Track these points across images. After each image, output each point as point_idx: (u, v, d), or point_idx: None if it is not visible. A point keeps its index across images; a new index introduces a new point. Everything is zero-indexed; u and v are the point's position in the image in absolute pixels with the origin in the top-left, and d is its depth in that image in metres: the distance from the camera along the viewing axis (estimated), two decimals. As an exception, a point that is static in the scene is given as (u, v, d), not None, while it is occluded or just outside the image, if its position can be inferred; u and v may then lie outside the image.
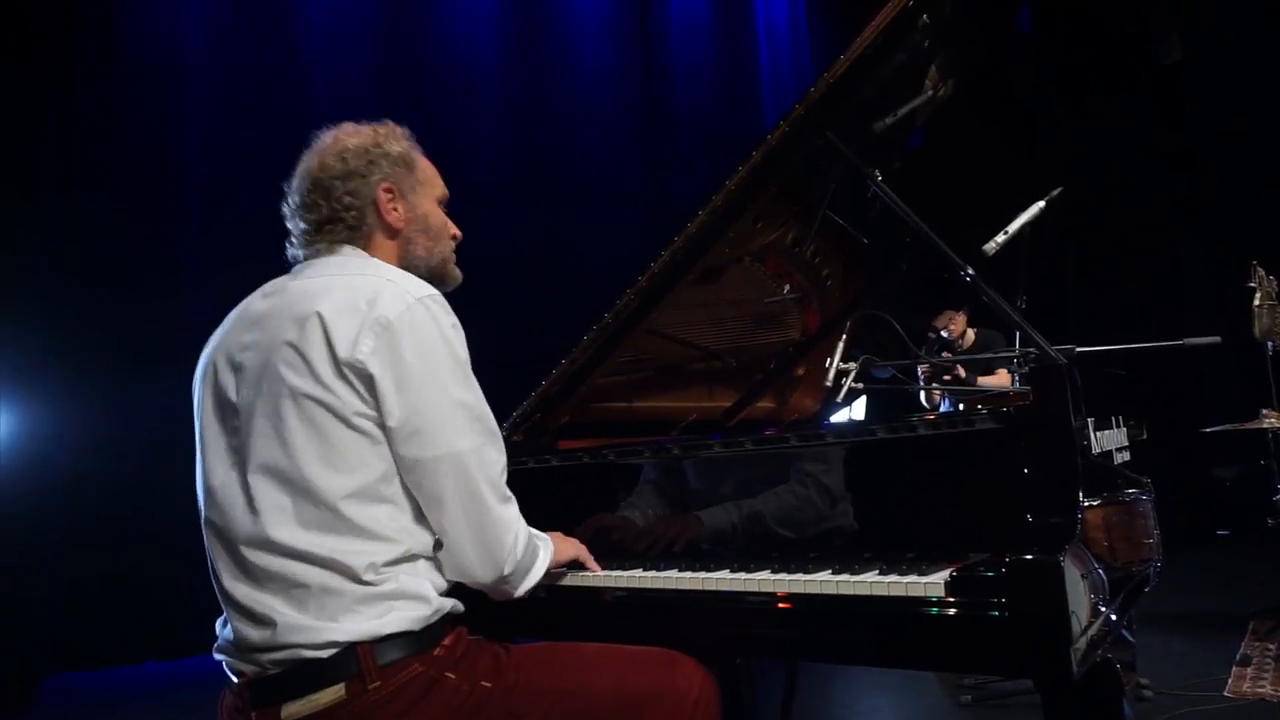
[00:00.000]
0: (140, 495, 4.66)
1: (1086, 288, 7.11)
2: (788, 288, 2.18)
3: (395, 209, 1.42)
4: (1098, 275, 7.08)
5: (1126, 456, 1.44)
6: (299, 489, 1.21)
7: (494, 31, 6.70)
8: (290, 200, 1.43)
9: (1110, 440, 1.36)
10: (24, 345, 4.48)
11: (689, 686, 1.36)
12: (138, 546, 4.65)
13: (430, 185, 1.49)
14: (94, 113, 4.99)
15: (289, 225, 1.43)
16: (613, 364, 2.02)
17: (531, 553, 1.38)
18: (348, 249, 1.40)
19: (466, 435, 1.28)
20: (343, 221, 1.39)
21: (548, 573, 1.44)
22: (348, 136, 1.43)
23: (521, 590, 1.37)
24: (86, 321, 4.80)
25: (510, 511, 1.34)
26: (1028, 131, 7.05)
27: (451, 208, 1.56)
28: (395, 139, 1.45)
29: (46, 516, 4.54)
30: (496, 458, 1.33)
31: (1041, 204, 1.92)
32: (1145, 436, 1.75)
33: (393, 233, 1.43)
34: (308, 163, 1.42)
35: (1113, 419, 1.40)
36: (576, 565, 1.55)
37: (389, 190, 1.41)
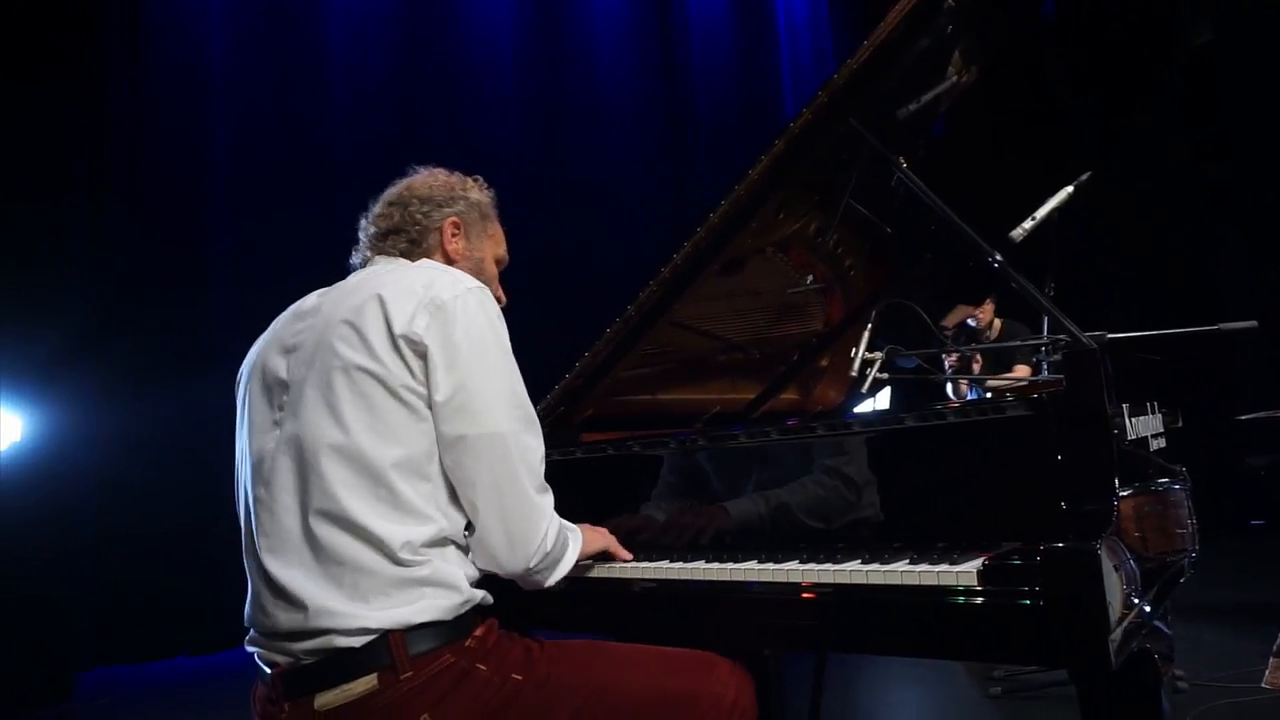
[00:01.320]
0: (171, 495, 4.73)
1: (1120, 277, 7.00)
2: (811, 278, 2.16)
3: (456, 242, 1.53)
4: (1131, 265, 6.97)
5: (1162, 443, 1.41)
6: (349, 456, 1.23)
7: (514, 30, 6.73)
8: (369, 211, 1.54)
9: (1145, 426, 1.33)
10: (55, 348, 4.55)
11: (724, 690, 1.36)
12: (169, 545, 4.72)
13: (495, 242, 1.62)
14: (120, 119, 5.07)
15: (360, 234, 1.54)
16: (636, 357, 2.02)
17: (562, 544, 1.38)
18: (402, 260, 1.47)
19: (508, 418, 1.30)
20: (406, 234, 1.49)
21: (576, 564, 1.44)
22: (442, 173, 1.59)
23: (551, 580, 1.38)
24: (116, 325, 4.88)
25: (545, 501, 1.35)
26: (1054, 118, 6.95)
27: None
28: (480, 190, 1.60)
29: (80, 517, 4.62)
30: (535, 445, 1.35)
31: (1070, 189, 1.88)
32: (1180, 424, 1.71)
33: (448, 260, 1.52)
34: (397, 185, 1.56)
35: (1148, 405, 1.37)
36: (605, 557, 1.56)
37: (456, 225, 1.54)
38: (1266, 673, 3.16)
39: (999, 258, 1.49)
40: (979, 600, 1.10)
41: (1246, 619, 4.04)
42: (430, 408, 1.27)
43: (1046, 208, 1.87)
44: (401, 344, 1.26)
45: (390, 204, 1.52)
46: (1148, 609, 1.16)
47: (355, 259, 1.54)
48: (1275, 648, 3.47)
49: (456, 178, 1.58)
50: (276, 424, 1.31)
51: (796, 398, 2.31)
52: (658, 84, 7.34)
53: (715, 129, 7.39)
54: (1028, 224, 1.84)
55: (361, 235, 1.53)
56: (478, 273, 1.53)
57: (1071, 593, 1.02)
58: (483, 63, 6.51)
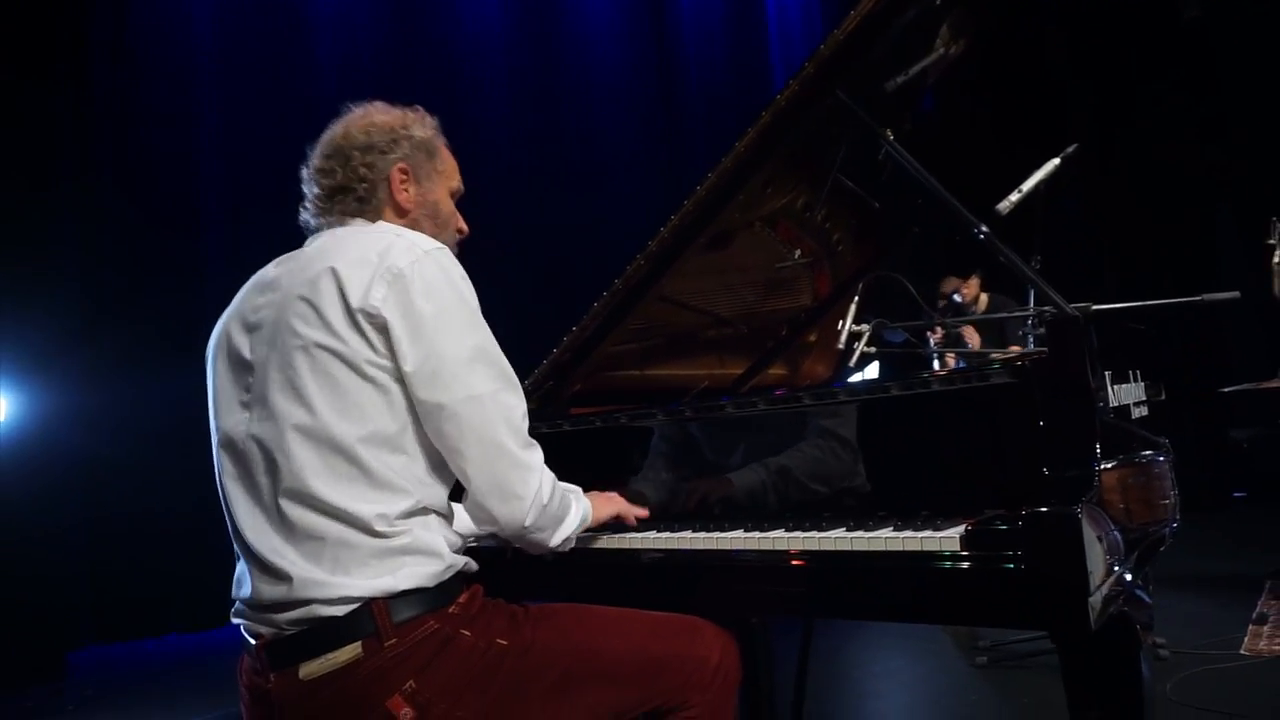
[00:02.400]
0: (160, 475, 4.74)
1: (1112, 254, 7.02)
2: (799, 253, 2.16)
3: (406, 190, 1.44)
4: (1124, 241, 6.99)
5: (1144, 412, 1.42)
6: (316, 437, 1.22)
7: (505, 7, 6.66)
8: (309, 163, 1.45)
9: (1128, 394, 1.34)
10: (45, 330, 4.53)
11: (709, 654, 1.37)
12: (158, 525, 4.73)
13: (446, 176, 1.52)
14: (107, 102, 5.04)
15: (304, 188, 1.45)
16: (624, 331, 2.02)
17: (562, 503, 1.38)
18: (357, 221, 1.41)
19: (484, 379, 1.28)
20: (353, 192, 1.40)
21: (584, 533, 1.44)
22: (377, 113, 1.46)
23: (556, 540, 1.37)
24: (105, 308, 4.87)
25: (533, 457, 1.32)
26: (1049, 93, 6.93)
27: (464, 185, 1.57)
28: (423, 125, 1.48)
29: (69, 497, 4.63)
30: (516, 403, 1.32)
31: (1056, 161, 1.89)
32: (1164, 398, 1.73)
33: (401, 212, 1.45)
34: (333, 130, 1.45)
35: (1130, 373, 1.38)
36: (613, 526, 1.56)
37: (404, 171, 1.44)
38: (1245, 639, 3.22)
39: (985, 229, 1.49)
40: (962, 565, 1.11)
41: (1228, 589, 4.10)
42: (400, 380, 1.25)
43: (1033, 180, 1.88)
44: (360, 318, 1.23)
45: (328, 156, 1.42)
46: (1128, 577, 1.18)
47: (304, 214, 1.45)
48: (1255, 615, 3.53)
49: (397, 113, 1.47)
50: (245, 405, 1.30)
51: (784, 373, 2.32)
52: (649, 60, 7.32)
53: (706, 105, 7.37)
54: (1014, 196, 1.85)
55: (306, 191, 1.44)
56: (434, 216, 1.47)
57: (1053, 556, 1.03)
58: (474, 38, 6.46)
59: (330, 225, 1.42)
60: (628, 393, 2.20)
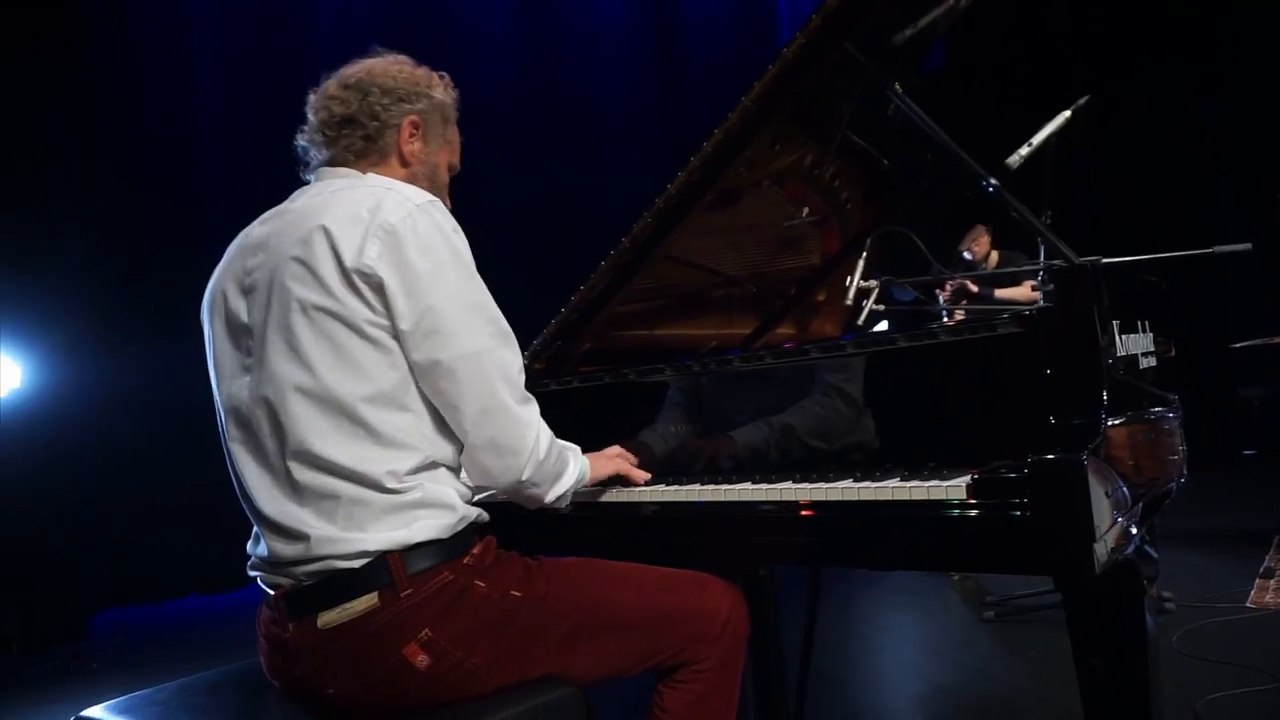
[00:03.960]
0: (173, 438, 4.77)
1: (1117, 211, 6.95)
2: (806, 211, 2.15)
3: (414, 143, 1.43)
4: (1130, 199, 6.91)
5: (1152, 362, 1.42)
6: (320, 399, 1.22)
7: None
8: (321, 89, 1.42)
9: (1136, 344, 1.34)
10: (52, 297, 4.55)
11: (718, 607, 1.39)
12: (175, 489, 4.78)
13: (451, 148, 1.52)
14: (104, 74, 4.99)
15: (308, 113, 1.42)
16: (632, 291, 2.02)
17: (560, 459, 1.39)
18: (347, 171, 1.39)
19: (480, 335, 1.27)
20: (362, 128, 1.38)
21: (588, 490, 1.45)
22: (408, 63, 1.46)
23: (551, 496, 1.38)
24: (111, 274, 4.88)
25: (529, 412, 1.33)
26: (1055, 52, 6.81)
27: (466, 150, 1.57)
28: (445, 91, 1.49)
29: (84, 461, 4.67)
30: (512, 358, 1.32)
31: (1067, 113, 1.86)
32: (1174, 354, 1.72)
33: (404, 163, 1.43)
34: (358, 65, 1.43)
35: (1139, 323, 1.37)
36: (617, 481, 1.57)
37: (415, 125, 1.43)
38: (1252, 593, 3.24)
39: (995, 182, 1.48)
40: (969, 513, 1.12)
41: (1236, 545, 4.13)
42: (396, 337, 1.24)
43: (1043, 133, 1.85)
44: (355, 278, 1.21)
45: (348, 87, 1.40)
46: (1133, 531, 1.19)
47: (301, 139, 1.43)
48: (1261, 570, 3.55)
49: (423, 71, 1.47)
50: (247, 369, 1.29)
51: (793, 332, 2.32)
52: (650, 21, 7.21)
53: (711, 64, 7.28)
54: (1024, 150, 1.82)
55: (311, 116, 1.41)
56: (431, 179, 1.46)
57: (1058, 502, 1.04)
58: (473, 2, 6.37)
59: (321, 163, 1.40)
60: (636, 353, 2.21)
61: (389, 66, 1.43)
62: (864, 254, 1.84)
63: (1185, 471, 1.51)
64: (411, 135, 1.43)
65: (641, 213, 1.82)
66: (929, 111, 1.66)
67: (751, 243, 2.21)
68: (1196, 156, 6.92)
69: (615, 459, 1.58)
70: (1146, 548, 1.34)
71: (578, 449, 1.47)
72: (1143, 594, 1.21)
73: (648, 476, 1.58)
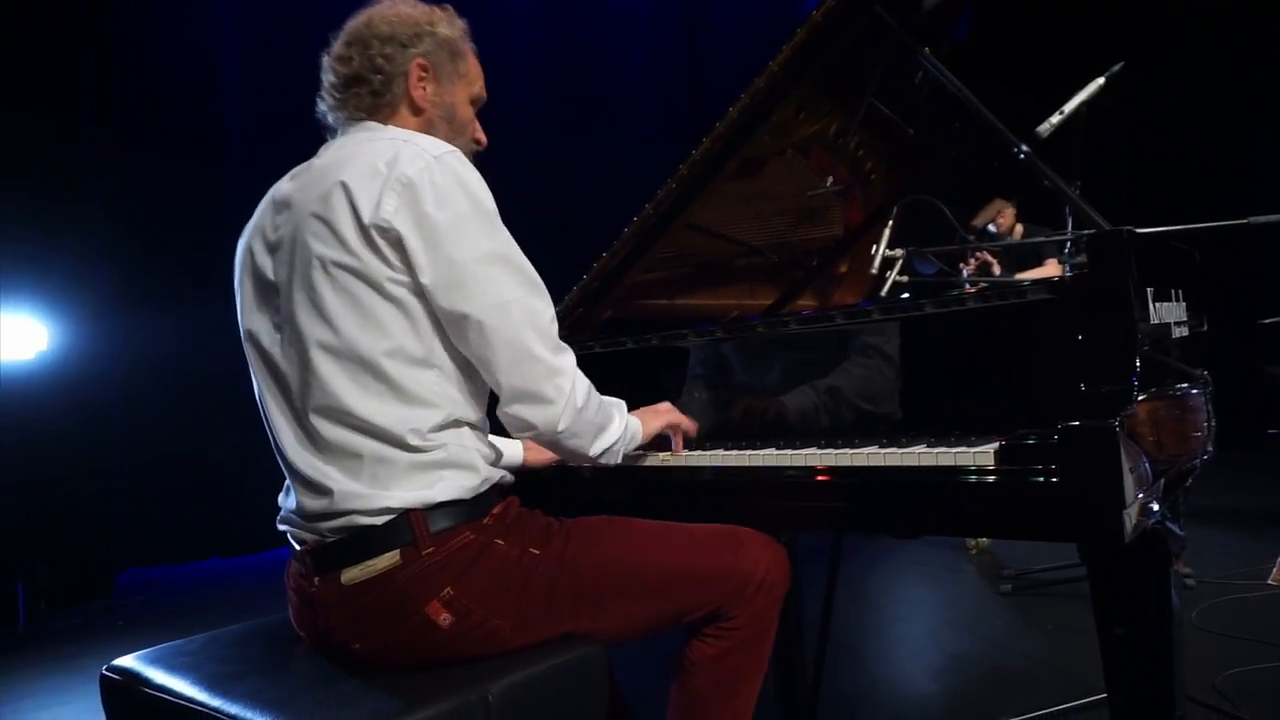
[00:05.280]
0: (198, 400, 4.85)
1: (1147, 181, 6.82)
2: (831, 180, 2.12)
3: (424, 88, 1.39)
4: (1161, 169, 6.78)
5: (1184, 332, 1.40)
6: (343, 355, 1.22)
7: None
8: (329, 50, 1.40)
9: (1169, 313, 1.32)
10: (76, 259, 4.58)
11: (754, 567, 1.36)
12: (200, 452, 4.85)
13: (468, 80, 1.46)
14: (127, 36, 4.98)
15: (322, 76, 1.41)
16: (653, 259, 2.01)
17: (602, 412, 1.37)
18: (368, 122, 1.38)
19: (507, 285, 1.25)
20: (368, 84, 1.36)
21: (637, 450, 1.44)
22: (404, 5, 1.41)
23: (596, 449, 1.36)
24: (136, 239, 4.91)
25: (564, 360, 1.30)
26: (1087, 14, 6.65)
27: (487, 118, 1.53)
28: (450, 24, 1.43)
29: (112, 425, 4.75)
30: (543, 307, 1.29)
31: (1101, 80, 1.82)
32: (1205, 329, 1.69)
33: (417, 110, 1.40)
34: (357, 18, 1.40)
35: (1173, 292, 1.35)
36: (659, 443, 1.56)
37: (423, 68, 1.39)
38: (1274, 570, 3.22)
39: (1025, 149, 1.46)
40: (997, 479, 1.11)
41: (1257, 523, 4.10)
42: (421, 295, 1.22)
43: (1075, 100, 1.81)
44: (373, 233, 1.20)
45: (348, 44, 1.37)
46: (1155, 507, 1.17)
47: (321, 106, 1.42)
48: (1284, 547, 3.52)
49: (422, 10, 1.41)
50: (277, 327, 1.30)
51: (814, 304, 2.31)
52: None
53: (734, 31, 7.18)
54: (1055, 118, 1.79)
55: (323, 79, 1.40)
56: (449, 120, 1.43)
57: (1088, 468, 1.03)
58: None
59: (341, 123, 1.40)
60: (657, 322, 2.20)
61: (385, 12, 1.39)
62: (889, 223, 1.82)
63: (1210, 448, 1.49)
64: (421, 79, 1.39)
65: (664, 179, 1.80)
66: (960, 75, 1.63)
67: (774, 212, 2.19)
68: (1232, 125, 6.77)
69: (660, 411, 1.55)
70: (1169, 524, 1.33)
71: (623, 404, 1.45)
72: (1168, 565, 1.20)
73: (695, 427, 1.56)
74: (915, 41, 1.63)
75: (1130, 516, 1.01)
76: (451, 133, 1.42)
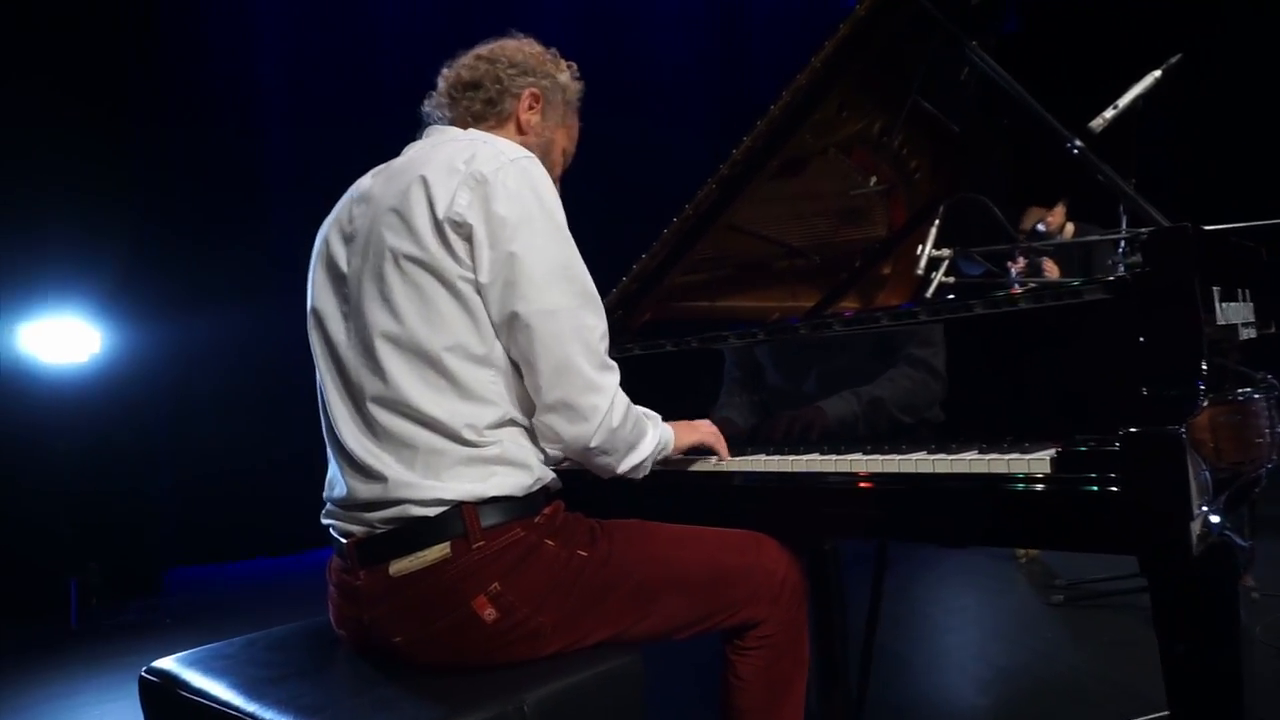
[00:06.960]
0: (243, 403, 4.94)
1: (1204, 177, 6.61)
2: (874, 180, 2.08)
3: (533, 114, 1.48)
4: (1218, 164, 6.57)
5: (1252, 334, 1.33)
6: (407, 347, 1.24)
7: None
8: (454, 60, 1.49)
9: (1235, 314, 1.25)
10: (124, 264, 4.68)
11: (776, 566, 1.42)
12: (247, 452, 4.94)
13: (568, 132, 1.56)
14: (173, 37, 5.07)
15: (438, 82, 1.49)
16: (693, 260, 1.99)
17: (636, 429, 1.36)
18: (455, 130, 1.42)
19: (562, 294, 1.26)
20: (485, 91, 1.44)
21: (669, 460, 1.46)
22: (537, 47, 1.53)
23: (624, 467, 1.36)
24: (185, 242, 5.00)
25: (607, 379, 1.30)
26: (1139, 7, 6.49)
27: None
28: (571, 78, 1.55)
29: (160, 426, 4.86)
30: (595, 323, 1.30)
31: (1157, 74, 1.75)
32: (1274, 330, 1.61)
33: (520, 130, 1.47)
34: (493, 42, 1.51)
35: (1240, 292, 1.28)
36: (696, 452, 1.55)
37: (535, 97, 1.48)
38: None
39: (1079, 144, 1.40)
40: (1053, 487, 1.07)
41: (1323, 533, 3.92)
42: (480, 289, 1.24)
43: (1130, 95, 1.75)
44: (446, 227, 1.22)
45: (480, 57, 1.47)
46: (1215, 519, 1.12)
47: (427, 105, 1.49)
48: (1354, 560, 3.36)
49: (551, 55, 1.53)
50: (345, 316, 1.33)
51: (857, 306, 2.26)
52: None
53: (774, 30, 7.13)
54: (1109, 113, 1.72)
55: (440, 81, 1.48)
56: (545, 153, 1.47)
57: (1153, 477, 0.98)
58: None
59: (443, 121, 1.46)
60: (697, 325, 2.17)
61: (520, 44, 1.51)
62: (935, 222, 1.77)
63: (1276, 457, 1.42)
64: (531, 106, 1.47)
65: (703, 180, 1.78)
66: (1009, 70, 1.58)
67: (816, 212, 2.16)
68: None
69: (698, 427, 1.55)
70: (1235, 536, 1.26)
71: (658, 417, 1.46)
72: (1237, 578, 1.14)
73: (728, 455, 1.54)
74: (962, 34, 1.58)
75: (1195, 529, 0.96)
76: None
